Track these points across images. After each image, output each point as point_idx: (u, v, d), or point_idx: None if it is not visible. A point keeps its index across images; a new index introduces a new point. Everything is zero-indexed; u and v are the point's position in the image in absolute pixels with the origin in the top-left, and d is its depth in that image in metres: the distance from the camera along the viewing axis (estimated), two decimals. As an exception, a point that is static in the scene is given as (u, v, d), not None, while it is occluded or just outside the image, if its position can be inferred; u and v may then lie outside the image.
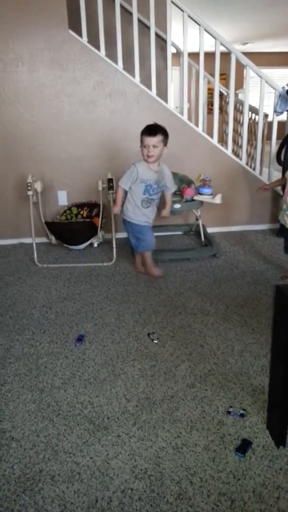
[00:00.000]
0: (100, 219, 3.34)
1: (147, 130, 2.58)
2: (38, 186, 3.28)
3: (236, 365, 1.91)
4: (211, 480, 1.33)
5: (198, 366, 1.91)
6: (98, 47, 3.32)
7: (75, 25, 3.28)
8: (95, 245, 3.51)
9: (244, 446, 1.45)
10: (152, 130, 2.57)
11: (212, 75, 3.63)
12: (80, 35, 3.27)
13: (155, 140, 2.55)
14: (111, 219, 3.27)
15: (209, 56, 3.50)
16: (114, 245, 3.21)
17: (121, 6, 3.39)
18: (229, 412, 1.61)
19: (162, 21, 3.45)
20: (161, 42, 3.69)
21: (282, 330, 1.38)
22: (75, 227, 3.38)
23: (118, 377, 1.83)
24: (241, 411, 1.61)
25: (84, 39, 3.28)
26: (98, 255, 3.35)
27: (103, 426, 1.55)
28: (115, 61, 3.36)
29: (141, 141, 2.59)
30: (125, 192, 2.73)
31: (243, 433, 1.52)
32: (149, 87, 3.46)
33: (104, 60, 3.34)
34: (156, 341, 2.10)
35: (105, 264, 3.14)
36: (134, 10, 3.28)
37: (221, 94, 4.38)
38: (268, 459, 1.40)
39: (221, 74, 3.58)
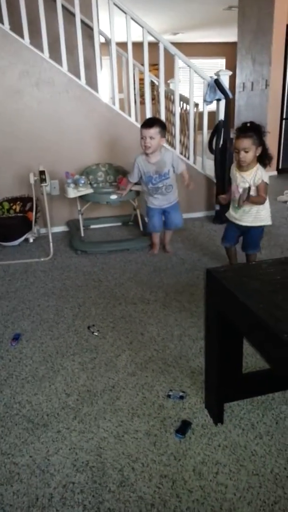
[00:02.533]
0: (34, 213, 3.25)
1: (144, 123, 2.77)
2: None
3: (176, 349, 1.95)
4: (153, 464, 1.35)
5: (138, 354, 1.92)
6: (22, 35, 3.19)
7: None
8: (31, 240, 3.41)
9: (184, 427, 1.48)
10: (149, 122, 2.77)
11: (143, 65, 3.63)
12: (1, 22, 3.12)
13: (152, 131, 2.70)
14: (46, 213, 3.18)
15: (139, 45, 3.49)
16: (51, 240, 3.13)
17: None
18: (169, 396, 1.64)
19: (88, 9, 3.39)
20: (89, 30, 3.63)
21: (213, 311, 1.42)
22: (7, 223, 3.25)
23: (58, 373, 1.80)
24: (181, 393, 1.64)
25: (6, 26, 3.14)
26: (34, 250, 3.25)
27: (43, 424, 1.51)
28: (42, 50, 3.26)
29: (140, 134, 2.76)
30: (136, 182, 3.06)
31: (183, 414, 1.55)
32: (79, 77, 3.39)
33: (29, 49, 3.22)
34: (96, 334, 2.09)
35: (42, 259, 3.06)
36: (58, -4, 3.19)
37: (153, 84, 4.41)
38: (207, 437, 1.45)
39: (153, 65, 3.59)
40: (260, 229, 2.49)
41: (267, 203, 2.42)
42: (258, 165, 2.34)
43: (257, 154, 2.29)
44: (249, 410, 1.55)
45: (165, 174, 2.86)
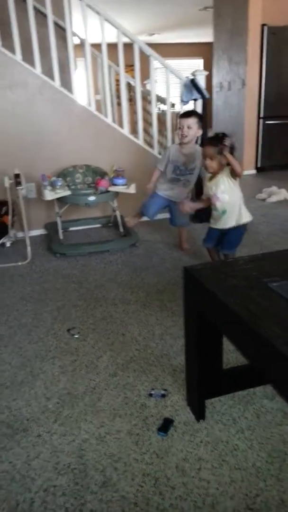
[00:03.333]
0: (10, 217, 3.20)
1: (183, 113, 2.86)
2: None
3: (157, 348, 1.95)
4: (135, 463, 1.34)
5: (120, 354, 1.92)
6: (-7, 37, 3.16)
7: None
8: (8, 244, 3.35)
9: (166, 425, 1.48)
10: (187, 112, 2.87)
11: (119, 66, 3.62)
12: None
13: (190, 121, 2.78)
14: (22, 216, 3.14)
15: (114, 46, 3.49)
16: (28, 243, 3.09)
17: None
18: (151, 395, 1.64)
19: (61, 10, 3.37)
20: (63, 32, 3.61)
21: (192, 309, 1.42)
22: (-18, 228, 3.20)
23: (37, 377, 1.77)
24: (162, 392, 1.64)
25: (-23, 28, 3.10)
26: (11, 255, 3.21)
27: (23, 428, 1.49)
28: (15, 52, 3.22)
29: (178, 123, 2.85)
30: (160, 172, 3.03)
31: (165, 412, 1.55)
32: (54, 79, 3.37)
33: (0, 51, 3.18)
34: (76, 336, 2.07)
35: (19, 263, 3.01)
36: (29, -3, 3.16)
37: (130, 85, 4.41)
38: (189, 434, 1.45)
39: (130, 65, 3.59)
40: (241, 229, 2.50)
41: (243, 202, 2.45)
42: (224, 172, 2.36)
43: (223, 164, 2.33)
44: (231, 406, 1.56)
45: (191, 170, 2.90)
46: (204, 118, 3.68)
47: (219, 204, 2.42)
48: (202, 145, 3.39)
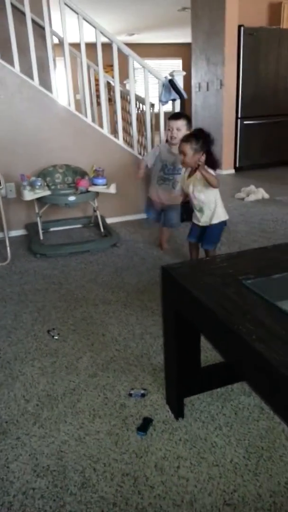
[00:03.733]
0: (-11, 218, 3.16)
1: (172, 115, 2.91)
2: None
3: (137, 348, 1.96)
4: (115, 463, 1.35)
5: (100, 355, 1.92)
6: None
7: None
8: (-13, 245, 3.32)
9: (145, 424, 1.49)
10: (176, 115, 2.92)
11: (98, 65, 3.61)
12: None
13: (179, 123, 2.82)
14: (2, 216, 3.10)
15: (93, 46, 3.47)
16: (8, 244, 3.06)
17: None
18: (130, 394, 1.64)
19: (40, 9, 3.34)
20: (42, 30, 3.57)
21: (169, 307, 1.44)
22: None
23: (16, 379, 1.76)
24: (142, 391, 1.65)
25: None
26: (-9, 255, 3.17)
27: (1, 431, 1.48)
28: (-9, 50, 3.19)
29: (167, 125, 2.89)
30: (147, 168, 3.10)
31: (144, 412, 1.56)
32: (33, 77, 3.34)
33: (-22, 49, 3.14)
34: (56, 337, 2.06)
35: (-1, 264, 2.99)
36: (6, -5, 3.13)
37: (110, 85, 4.40)
38: (168, 433, 1.46)
39: (109, 65, 3.58)
40: (219, 227, 2.54)
41: (220, 201, 2.49)
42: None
43: (200, 160, 2.34)
44: (209, 403, 1.58)
45: (179, 169, 2.91)
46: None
47: (196, 202, 2.48)
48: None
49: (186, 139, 2.39)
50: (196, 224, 2.59)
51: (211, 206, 2.46)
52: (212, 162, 2.41)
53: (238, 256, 1.48)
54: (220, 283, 1.26)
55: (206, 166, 2.34)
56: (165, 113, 3.88)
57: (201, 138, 2.34)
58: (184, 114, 3.02)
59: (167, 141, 2.98)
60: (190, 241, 2.71)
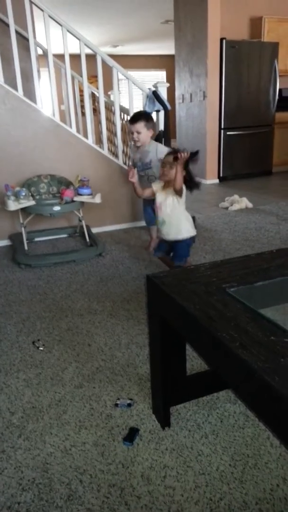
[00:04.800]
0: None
1: (130, 118, 2.90)
2: None
3: (123, 357, 1.96)
4: (101, 475, 1.34)
5: (85, 365, 1.91)
6: None
7: None
8: (-28, 256, 3.29)
9: (131, 434, 1.48)
10: (134, 117, 2.89)
11: (82, 76, 3.65)
12: None
13: (138, 126, 2.82)
14: (-14, 227, 3.08)
15: (78, 57, 3.50)
16: (-8, 254, 3.04)
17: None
18: (116, 405, 1.63)
19: (23, 20, 3.36)
20: (26, 42, 3.59)
21: (155, 316, 1.44)
22: None
23: (1, 391, 1.73)
24: (128, 401, 1.64)
25: None
26: (-24, 266, 3.14)
27: (-15, 445, 1.46)
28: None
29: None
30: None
31: (130, 422, 1.55)
32: (17, 88, 3.35)
33: None
34: (41, 348, 2.04)
35: (-17, 275, 2.95)
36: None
37: (94, 95, 4.44)
38: (154, 442, 1.46)
39: (94, 76, 3.62)
40: (187, 242, 2.57)
41: (186, 216, 2.52)
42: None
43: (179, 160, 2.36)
44: (195, 411, 1.59)
45: (147, 164, 2.92)
46: (167, 129, 3.76)
47: (160, 214, 2.52)
48: (161, 140, 3.50)
49: (170, 153, 2.45)
50: (163, 240, 2.62)
51: (174, 222, 2.50)
52: (191, 183, 2.45)
53: (222, 264, 1.50)
54: (204, 291, 1.27)
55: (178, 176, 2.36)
56: (150, 124, 3.94)
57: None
58: (142, 114, 2.98)
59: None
60: (158, 256, 2.74)
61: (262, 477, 1.31)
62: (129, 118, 3.96)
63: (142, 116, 2.88)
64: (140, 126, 2.82)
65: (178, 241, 2.54)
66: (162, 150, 2.94)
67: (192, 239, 2.58)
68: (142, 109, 3.81)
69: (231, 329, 1.05)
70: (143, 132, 2.83)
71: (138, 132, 2.82)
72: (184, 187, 2.41)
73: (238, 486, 1.28)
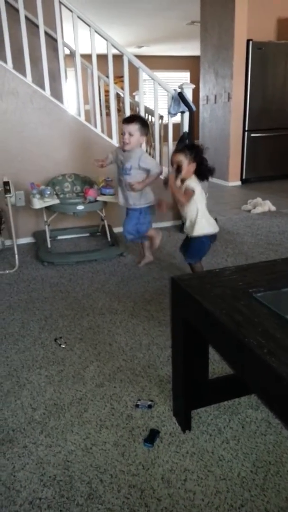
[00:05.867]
0: (-2, 225, 3.19)
1: (125, 118, 2.78)
2: None
3: (144, 358, 1.96)
4: (121, 475, 1.34)
5: (106, 365, 1.92)
6: (-16, 46, 3.18)
7: None
8: (-4, 252, 3.35)
9: (152, 436, 1.48)
10: (129, 118, 2.76)
11: (108, 77, 3.67)
12: None
13: (131, 127, 2.65)
14: (11, 224, 3.13)
15: (104, 58, 3.53)
16: (16, 251, 3.08)
17: (7, 3, 3.28)
18: (137, 405, 1.64)
19: (52, 21, 3.41)
20: (54, 42, 3.64)
21: (178, 319, 1.44)
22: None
23: (24, 387, 1.76)
24: (149, 403, 1.64)
25: None
26: None
27: (8, 439, 1.48)
28: (5, 61, 3.24)
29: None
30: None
31: (151, 423, 1.55)
32: (44, 88, 3.39)
33: (-8, 59, 3.20)
34: (63, 346, 2.06)
35: (7, 271, 3.00)
36: (21, 7, 3.19)
37: (119, 96, 4.46)
38: (175, 445, 1.46)
39: (119, 77, 3.64)
40: (201, 240, 2.53)
41: (203, 214, 2.49)
42: (192, 178, 2.43)
43: (192, 169, 2.41)
44: (216, 416, 1.57)
45: (126, 169, 2.77)
46: (192, 130, 3.75)
47: (181, 208, 2.54)
48: (185, 141, 3.41)
49: (180, 150, 2.46)
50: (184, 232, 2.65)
51: (192, 217, 2.49)
52: (205, 171, 2.45)
53: (247, 268, 1.49)
54: (230, 295, 1.26)
55: (187, 183, 2.38)
56: (174, 125, 3.94)
57: (194, 149, 2.42)
58: (138, 116, 2.87)
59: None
60: (180, 251, 2.77)
61: (284, 485, 1.29)
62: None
63: (138, 119, 2.74)
64: (134, 128, 2.66)
65: (193, 237, 2.53)
66: (145, 160, 2.78)
67: (208, 240, 2.55)
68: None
69: (258, 335, 1.04)
70: (135, 135, 2.68)
71: (131, 134, 2.66)
72: (196, 188, 2.41)
73: (260, 494, 1.26)
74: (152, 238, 3.02)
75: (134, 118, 2.76)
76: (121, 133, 2.74)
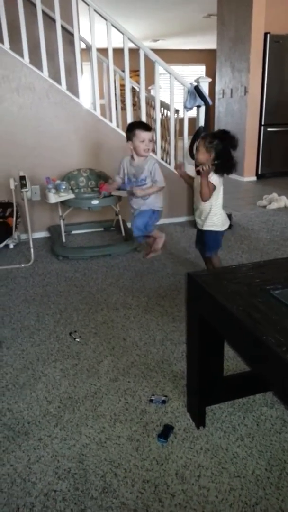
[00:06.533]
0: (14, 219, 3.21)
1: (143, 126, 2.76)
2: None
3: (158, 354, 1.96)
4: (135, 469, 1.35)
5: (121, 359, 1.92)
6: (2, 40, 3.18)
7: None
8: (11, 246, 3.37)
9: (166, 431, 1.48)
10: (147, 125, 2.79)
11: (124, 71, 3.65)
12: (-19, 26, 3.10)
13: (151, 134, 2.74)
14: (26, 218, 3.15)
15: (120, 52, 3.51)
16: (32, 246, 3.11)
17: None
18: (151, 400, 1.64)
19: (69, 15, 3.40)
20: (70, 36, 3.63)
21: (194, 314, 1.43)
22: (-13, 229, 3.21)
23: (39, 380, 1.78)
24: (163, 398, 1.64)
25: (-15, 31, 3.13)
26: (15, 256, 3.22)
27: (24, 432, 1.50)
28: (22, 55, 3.25)
29: (135, 135, 2.70)
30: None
31: (165, 419, 1.55)
32: (60, 82, 3.39)
33: (8, 54, 3.21)
34: (78, 340, 2.07)
35: (22, 265, 3.03)
36: (38, 1, 3.19)
37: (134, 90, 4.44)
38: (189, 441, 1.45)
39: (135, 71, 3.62)
40: (212, 234, 2.53)
41: (217, 210, 2.46)
42: (214, 176, 2.36)
43: (212, 159, 2.33)
44: (231, 413, 1.57)
45: (142, 180, 2.84)
46: (208, 124, 3.71)
47: (196, 200, 2.52)
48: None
49: (204, 135, 2.42)
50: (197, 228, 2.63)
51: (205, 211, 2.47)
52: (229, 166, 2.37)
53: (264, 265, 1.47)
54: (247, 292, 1.25)
55: (211, 177, 2.32)
56: (189, 119, 3.90)
57: (218, 138, 2.33)
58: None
59: (132, 156, 2.83)
60: (196, 248, 2.75)
61: (299, 484, 1.28)
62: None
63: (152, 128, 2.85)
64: (152, 134, 2.78)
65: (204, 231, 2.53)
66: (157, 172, 2.81)
67: (218, 234, 2.54)
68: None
69: (277, 332, 1.02)
70: (152, 141, 2.77)
71: (150, 141, 2.73)
72: (217, 186, 2.37)
73: (275, 492, 1.25)
74: (155, 239, 3.09)
75: (150, 126, 2.86)
76: (140, 141, 2.70)
